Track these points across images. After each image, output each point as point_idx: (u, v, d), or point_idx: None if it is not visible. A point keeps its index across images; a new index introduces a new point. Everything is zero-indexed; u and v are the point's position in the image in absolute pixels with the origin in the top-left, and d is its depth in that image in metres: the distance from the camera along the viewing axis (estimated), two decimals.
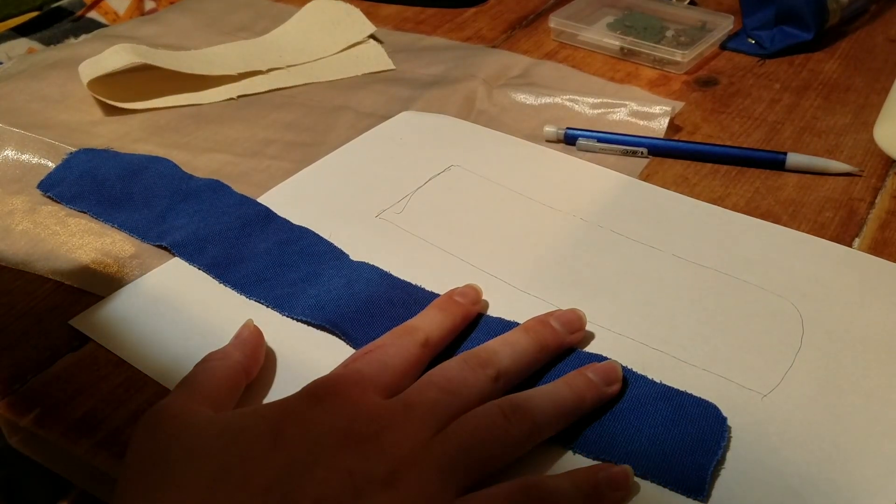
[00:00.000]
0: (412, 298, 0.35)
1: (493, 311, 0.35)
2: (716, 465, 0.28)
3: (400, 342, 0.30)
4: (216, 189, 0.42)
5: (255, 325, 0.33)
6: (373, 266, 0.37)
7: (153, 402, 0.31)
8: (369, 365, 0.29)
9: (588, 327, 0.34)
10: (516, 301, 0.36)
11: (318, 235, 0.39)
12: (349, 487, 0.24)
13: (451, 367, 0.29)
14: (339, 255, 0.38)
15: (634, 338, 0.34)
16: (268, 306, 0.35)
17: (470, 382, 0.29)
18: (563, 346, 0.32)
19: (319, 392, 0.28)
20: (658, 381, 0.31)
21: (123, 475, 0.26)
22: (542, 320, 0.32)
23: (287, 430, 0.26)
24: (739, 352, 0.33)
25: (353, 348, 0.33)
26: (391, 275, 0.37)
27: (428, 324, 0.32)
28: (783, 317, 0.35)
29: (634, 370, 0.32)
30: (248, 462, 0.25)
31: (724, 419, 0.30)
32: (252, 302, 0.36)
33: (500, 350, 0.30)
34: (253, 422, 0.26)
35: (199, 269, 0.38)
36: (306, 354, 0.33)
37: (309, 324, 0.35)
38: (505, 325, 0.34)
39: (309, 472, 0.25)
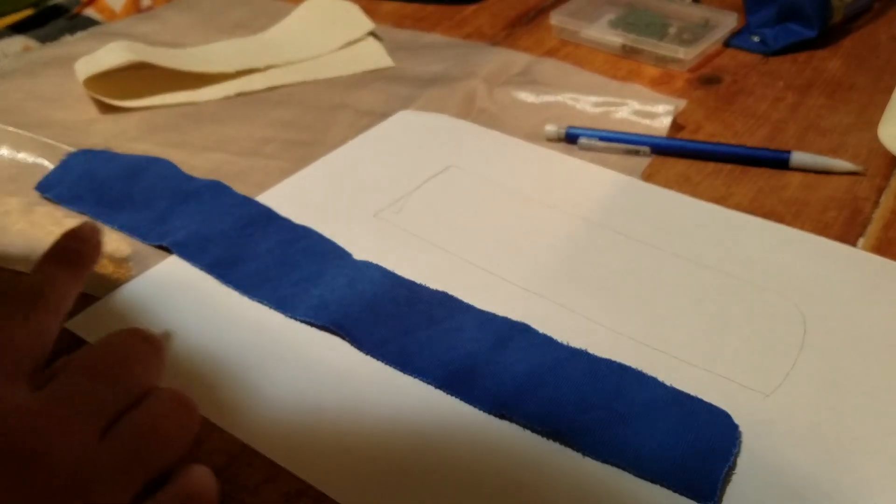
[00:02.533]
0: (416, 297, 0.35)
1: (492, 309, 0.35)
2: (727, 471, 0.28)
3: (22, 318, 0.25)
4: (217, 190, 0.42)
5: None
6: (376, 265, 0.37)
7: None
8: (3, 353, 0.24)
9: (589, 325, 0.34)
10: (516, 298, 0.36)
11: (320, 235, 0.39)
12: None
13: (111, 350, 0.25)
14: (342, 254, 0.38)
15: (635, 337, 0.34)
16: (270, 307, 0.35)
17: (138, 361, 0.25)
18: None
19: None
20: (669, 385, 0.31)
21: None
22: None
23: None
24: (741, 352, 0.33)
25: (357, 349, 0.33)
26: (394, 273, 0.36)
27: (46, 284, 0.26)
28: (785, 316, 0.35)
29: (644, 372, 0.32)
30: None
31: (736, 426, 0.29)
32: (250, 302, 0.36)
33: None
34: None
35: (201, 269, 0.37)
36: (309, 355, 0.33)
37: (312, 324, 0.34)
38: (510, 324, 0.34)
39: None
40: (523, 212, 0.41)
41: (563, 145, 0.47)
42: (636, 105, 0.49)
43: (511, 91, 0.51)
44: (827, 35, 0.58)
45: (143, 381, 0.25)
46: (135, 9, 0.66)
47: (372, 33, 0.59)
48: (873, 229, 0.40)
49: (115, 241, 0.39)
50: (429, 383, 0.32)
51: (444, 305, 0.35)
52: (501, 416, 0.30)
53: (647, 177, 0.45)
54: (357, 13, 0.60)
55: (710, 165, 0.45)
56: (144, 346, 0.25)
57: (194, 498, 0.24)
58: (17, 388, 0.23)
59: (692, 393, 0.31)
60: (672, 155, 0.46)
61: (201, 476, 0.25)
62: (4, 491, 0.21)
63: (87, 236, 0.28)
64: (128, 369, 0.25)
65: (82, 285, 0.27)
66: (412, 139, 0.47)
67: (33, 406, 0.23)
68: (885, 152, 0.46)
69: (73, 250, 0.27)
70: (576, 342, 0.33)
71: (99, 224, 0.29)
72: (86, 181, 0.42)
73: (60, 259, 0.27)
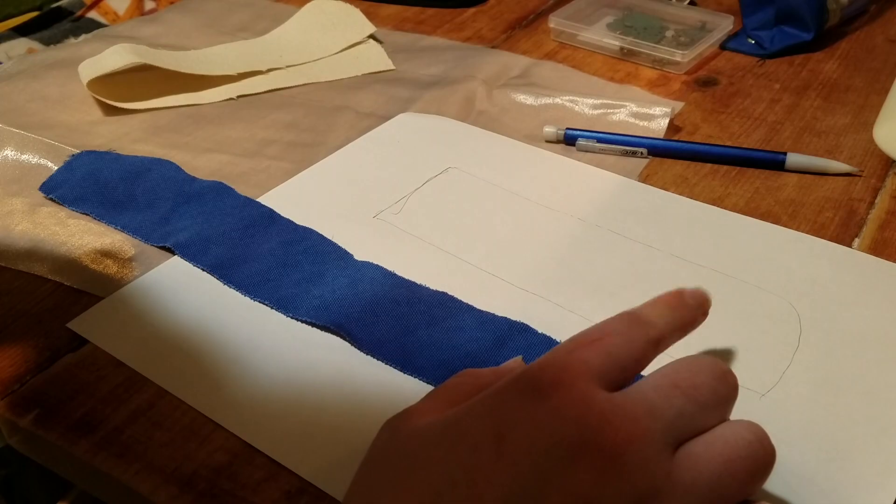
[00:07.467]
0: (416, 297, 0.36)
1: (492, 309, 0.35)
2: None
3: (629, 334, 0.26)
4: (219, 191, 0.42)
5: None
6: (377, 265, 0.37)
7: (153, 403, 0.32)
8: (597, 356, 0.25)
9: (587, 325, 0.34)
10: (515, 298, 0.36)
11: (321, 236, 0.39)
12: None
13: (699, 371, 0.25)
14: (343, 255, 0.38)
15: None
16: (271, 307, 0.36)
17: (721, 394, 0.25)
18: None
19: (541, 383, 0.24)
20: None
21: (354, 477, 0.25)
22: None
23: (510, 433, 0.22)
24: (738, 351, 0.33)
25: (358, 349, 0.33)
26: (395, 274, 0.37)
27: (660, 320, 0.27)
28: (781, 316, 0.35)
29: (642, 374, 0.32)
30: (473, 475, 0.22)
31: None
32: (251, 303, 0.36)
33: (696, 363, 0.26)
34: (471, 424, 0.23)
35: (203, 269, 0.38)
36: (310, 355, 0.33)
37: (313, 325, 0.35)
38: (509, 324, 0.34)
39: (540, 494, 0.21)
40: (522, 213, 0.42)
41: (561, 147, 0.48)
42: (634, 107, 0.49)
43: (510, 93, 0.52)
44: (823, 38, 0.58)
45: (719, 412, 0.25)
46: (138, 11, 0.66)
47: (372, 36, 0.59)
48: (868, 230, 0.41)
49: (118, 242, 0.40)
50: (429, 383, 0.32)
51: (444, 305, 0.35)
52: None
53: (645, 178, 0.45)
54: (358, 16, 0.60)
55: (707, 167, 0.46)
56: (726, 377, 0.25)
57: None
58: (598, 389, 0.24)
59: None
60: (669, 156, 0.47)
61: None
62: (589, 484, 0.21)
63: (701, 301, 0.29)
64: (711, 391, 0.24)
65: (680, 337, 0.28)
66: (412, 141, 0.47)
67: (608, 400, 0.23)
68: (881, 153, 0.46)
69: (687, 306, 0.28)
70: None
71: None
72: (89, 182, 0.43)
73: (673, 307, 0.28)
